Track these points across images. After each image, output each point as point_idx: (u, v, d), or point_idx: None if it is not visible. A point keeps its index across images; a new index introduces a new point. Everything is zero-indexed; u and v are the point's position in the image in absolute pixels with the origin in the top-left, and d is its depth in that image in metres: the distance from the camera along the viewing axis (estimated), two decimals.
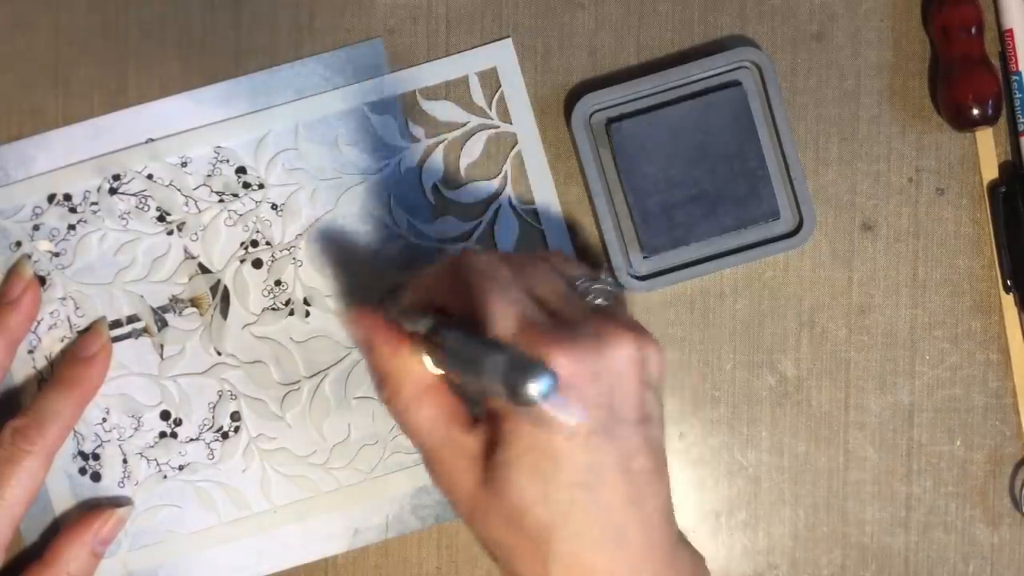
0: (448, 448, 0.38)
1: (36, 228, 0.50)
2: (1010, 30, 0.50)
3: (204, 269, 0.51)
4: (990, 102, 0.49)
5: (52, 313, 0.50)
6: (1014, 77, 0.50)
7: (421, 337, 0.39)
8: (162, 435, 0.51)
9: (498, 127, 0.51)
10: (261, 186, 0.51)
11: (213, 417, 0.51)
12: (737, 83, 0.49)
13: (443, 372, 0.39)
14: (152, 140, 0.50)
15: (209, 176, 0.50)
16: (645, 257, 0.50)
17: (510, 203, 0.51)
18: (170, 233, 0.50)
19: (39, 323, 0.50)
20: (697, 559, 0.40)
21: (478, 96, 0.51)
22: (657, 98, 0.49)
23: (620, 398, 0.37)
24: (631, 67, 0.51)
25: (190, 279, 0.51)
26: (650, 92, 0.49)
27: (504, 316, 0.37)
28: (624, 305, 0.41)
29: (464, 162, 0.51)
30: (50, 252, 0.50)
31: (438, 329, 0.38)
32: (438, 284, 0.41)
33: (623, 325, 0.38)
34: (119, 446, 0.51)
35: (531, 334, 0.36)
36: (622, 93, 0.49)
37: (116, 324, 0.51)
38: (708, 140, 0.49)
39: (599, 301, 0.41)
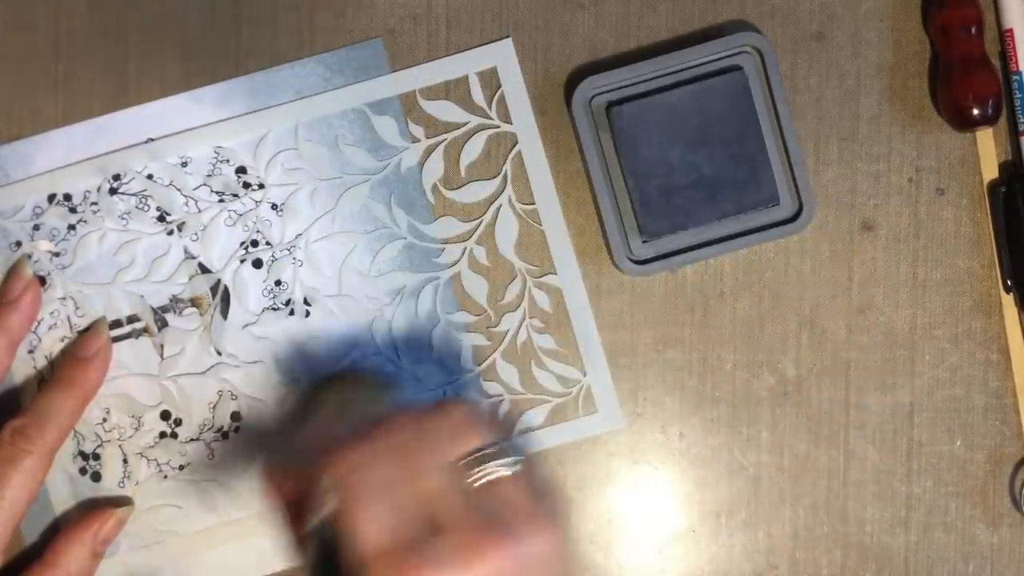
0: None
1: (36, 228, 0.50)
2: (1010, 30, 0.50)
3: (204, 269, 0.51)
4: (990, 102, 0.49)
5: (52, 313, 0.50)
6: (1014, 77, 0.50)
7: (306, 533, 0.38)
8: (162, 435, 0.51)
9: (498, 127, 0.51)
10: (261, 186, 0.51)
11: (213, 417, 0.51)
12: (738, 68, 0.49)
13: None
14: (152, 140, 0.50)
15: (209, 176, 0.50)
16: (644, 242, 0.50)
17: (510, 203, 0.51)
18: (170, 233, 0.50)
19: (39, 323, 0.50)
20: None
21: (478, 96, 0.51)
22: (658, 82, 0.49)
23: None
24: (631, 51, 0.51)
25: (190, 279, 0.51)
26: (651, 76, 0.49)
27: (366, 537, 0.36)
28: (531, 464, 0.38)
29: (464, 162, 0.51)
30: (50, 252, 0.50)
31: (313, 536, 0.37)
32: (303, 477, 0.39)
33: (496, 529, 0.36)
34: (119, 446, 0.51)
35: (390, 558, 0.35)
36: (623, 77, 0.49)
37: (116, 324, 0.51)
38: (708, 125, 0.49)
39: (498, 475, 0.37)
